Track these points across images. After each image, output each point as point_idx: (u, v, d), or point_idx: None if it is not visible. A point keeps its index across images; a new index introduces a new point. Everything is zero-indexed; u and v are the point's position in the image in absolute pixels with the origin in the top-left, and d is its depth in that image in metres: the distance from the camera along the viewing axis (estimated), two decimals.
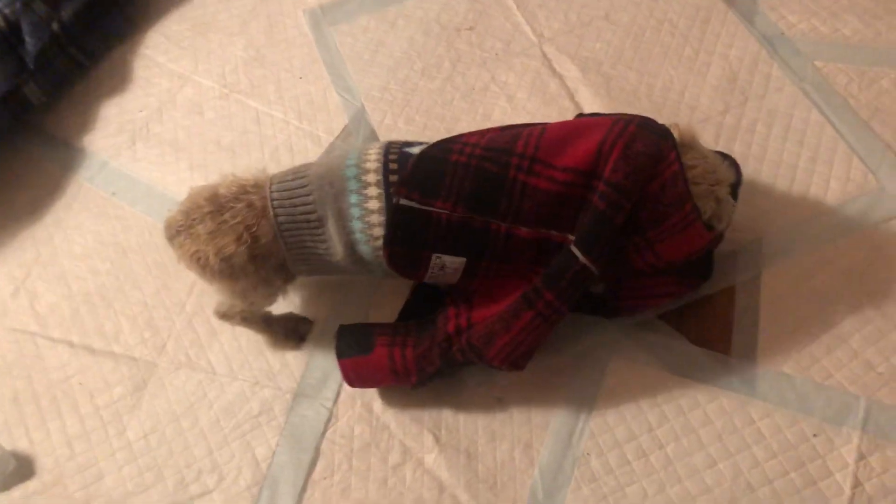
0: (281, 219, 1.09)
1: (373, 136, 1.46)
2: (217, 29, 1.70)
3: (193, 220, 1.08)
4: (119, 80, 1.66)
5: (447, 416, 1.17)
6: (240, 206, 1.08)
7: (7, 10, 1.55)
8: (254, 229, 1.08)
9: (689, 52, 1.46)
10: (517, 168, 1.06)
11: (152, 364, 1.29)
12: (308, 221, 1.09)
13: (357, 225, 1.08)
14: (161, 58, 1.67)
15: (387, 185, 1.07)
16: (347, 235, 1.09)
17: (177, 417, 1.24)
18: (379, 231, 1.08)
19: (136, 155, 1.54)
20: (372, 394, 1.20)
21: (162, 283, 1.36)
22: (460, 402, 1.18)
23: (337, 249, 1.10)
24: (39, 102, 1.60)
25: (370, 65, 1.57)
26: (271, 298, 1.20)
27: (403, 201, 1.07)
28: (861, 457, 1.05)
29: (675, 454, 1.10)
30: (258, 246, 1.08)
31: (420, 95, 1.50)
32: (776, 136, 1.33)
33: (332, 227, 1.09)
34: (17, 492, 1.21)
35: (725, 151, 1.30)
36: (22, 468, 1.23)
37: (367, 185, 1.08)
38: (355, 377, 1.17)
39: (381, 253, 1.08)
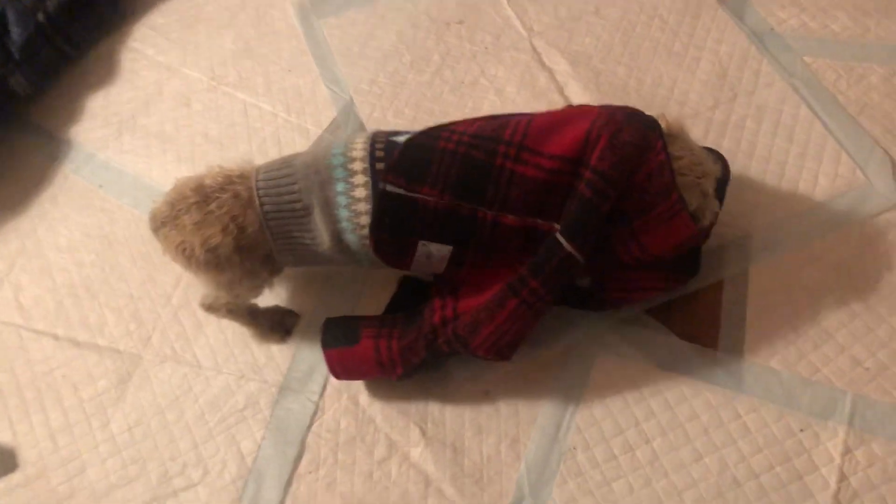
0: (267, 208, 1.08)
1: (361, 129, 1.45)
2: (205, 21, 1.69)
3: (179, 210, 1.08)
4: (106, 72, 1.65)
5: (434, 409, 1.17)
6: (226, 196, 1.07)
7: None
8: (240, 219, 1.07)
9: (678, 48, 1.46)
10: (504, 156, 1.05)
11: (137, 357, 1.28)
12: (294, 210, 1.08)
13: (344, 213, 1.07)
14: (149, 50, 1.66)
15: (374, 172, 1.07)
16: (334, 224, 1.08)
17: (161, 410, 1.23)
18: (366, 219, 1.07)
19: (123, 147, 1.53)
20: (358, 387, 1.20)
21: (148, 275, 1.35)
22: (447, 396, 1.17)
23: (323, 238, 1.09)
24: (25, 93, 1.58)
25: (359, 58, 1.56)
26: (257, 290, 1.19)
27: (390, 188, 1.06)
28: (847, 451, 1.05)
29: (662, 448, 1.09)
30: (244, 236, 1.08)
31: (409, 89, 1.50)
32: (765, 132, 1.33)
33: (318, 216, 1.08)
34: (0, 485, 1.20)
35: (715, 147, 1.31)
36: (5, 461, 1.22)
37: (353, 172, 1.07)
38: (341, 369, 1.17)
39: (367, 241, 1.08)
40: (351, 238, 1.09)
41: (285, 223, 1.09)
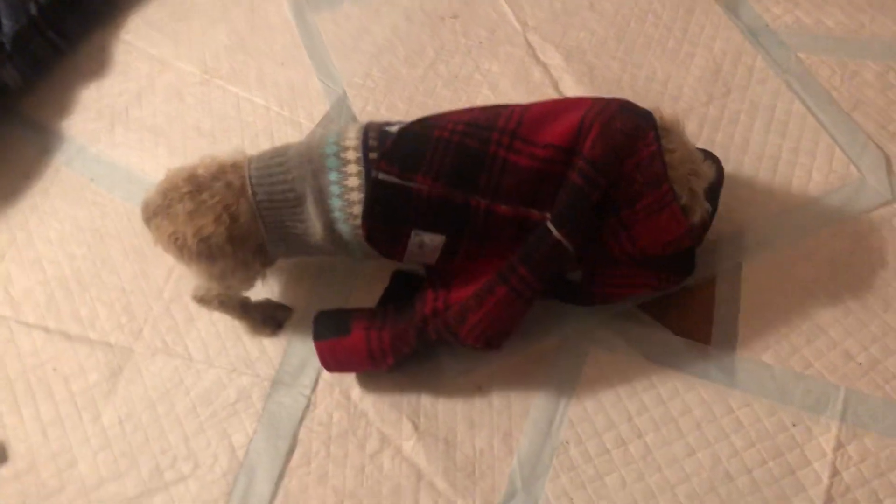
0: (259, 197, 1.07)
1: (354, 122, 1.44)
2: (198, 14, 1.68)
3: (171, 200, 1.07)
4: (98, 65, 1.64)
5: (426, 403, 1.16)
6: (218, 185, 1.07)
7: None
8: (232, 209, 1.06)
9: (673, 43, 1.46)
10: (498, 144, 1.05)
11: (128, 350, 1.27)
12: (286, 200, 1.08)
13: (336, 203, 1.07)
14: (141, 42, 1.66)
15: (367, 162, 1.06)
16: (327, 214, 1.08)
17: (152, 404, 1.22)
18: (359, 209, 1.07)
19: (115, 140, 1.52)
20: (350, 381, 1.19)
21: (139, 268, 1.35)
22: (439, 390, 1.17)
23: (316, 229, 1.09)
24: (17, 86, 1.58)
25: (353, 51, 1.55)
26: (249, 282, 1.18)
27: (383, 176, 1.06)
28: (839, 446, 1.05)
29: (654, 443, 1.09)
30: (237, 226, 1.07)
31: (403, 83, 1.49)
32: (759, 128, 1.33)
33: (310, 206, 1.08)
34: None
35: (708, 141, 1.31)
36: None
37: (346, 162, 1.07)
38: (332, 361, 1.16)
39: (360, 231, 1.07)
40: (343, 228, 1.08)
41: (278, 212, 1.08)
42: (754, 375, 1.12)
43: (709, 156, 1.16)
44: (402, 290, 1.21)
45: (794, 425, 1.08)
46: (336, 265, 1.29)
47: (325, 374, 1.20)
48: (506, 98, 1.43)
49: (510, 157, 1.05)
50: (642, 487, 1.07)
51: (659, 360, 1.15)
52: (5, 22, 1.53)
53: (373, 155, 1.06)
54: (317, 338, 1.16)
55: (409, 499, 1.10)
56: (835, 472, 1.04)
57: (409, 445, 1.14)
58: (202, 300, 1.19)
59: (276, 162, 1.09)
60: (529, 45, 1.50)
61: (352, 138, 1.08)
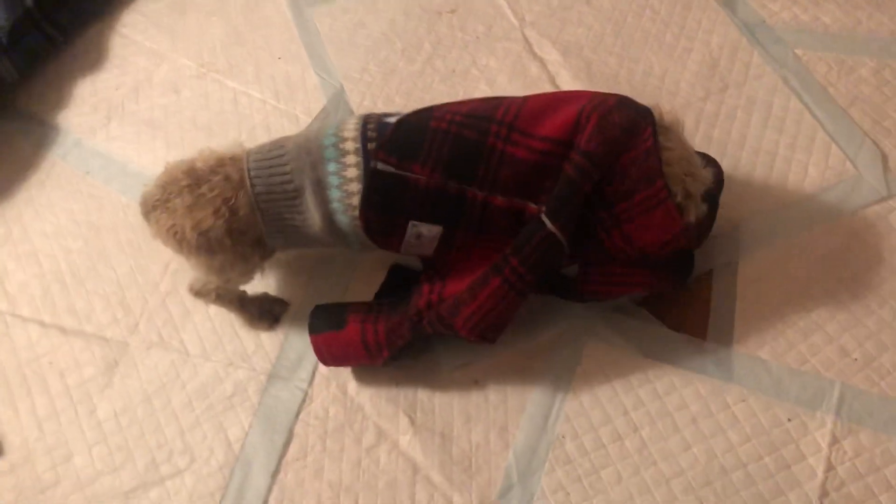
0: (258, 189, 1.07)
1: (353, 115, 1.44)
2: (195, 8, 1.68)
3: (170, 194, 1.07)
4: (95, 58, 1.63)
5: (423, 397, 1.16)
6: (217, 178, 1.07)
7: None
8: (231, 202, 1.06)
9: (670, 39, 1.46)
10: (496, 136, 1.05)
11: (124, 344, 1.27)
12: (285, 192, 1.08)
13: (335, 194, 1.07)
14: (138, 36, 1.65)
15: (365, 153, 1.06)
16: (325, 205, 1.07)
17: (148, 398, 1.22)
18: (357, 200, 1.06)
19: (111, 133, 1.52)
20: (347, 375, 1.19)
21: (136, 262, 1.35)
22: (436, 384, 1.17)
23: (314, 220, 1.09)
24: (12, 79, 1.57)
25: (350, 46, 1.55)
26: (248, 276, 1.18)
27: (381, 165, 1.06)
28: (834, 441, 1.06)
29: (650, 437, 1.09)
30: (236, 219, 1.07)
31: (399, 77, 1.49)
32: (756, 123, 1.33)
33: (309, 198, 1.07)
34: None
35: (706, 137, 1.32)
36: None
37: (345, 153, 1.07)
38: (328, 354, 1.16)
39: (358, 222, 1.07)
40: (342, 219, 1.08)
41: (276, 204, 1.08)
42: (750, 371, 1.12)
43: (710, 161, 1.16)
44: (399, 284, 1.21)
45: (789, 420, 1.08)
46: (333, 259, 1.29)
47: (322, 368, 1.19)
48: (502, 93, 1.41)
49: (508, 150, 1.05)
50: (638, 481, 1.07)
51: (655, 356, 1.15)
52: (1, 15, 1.53)
53: (371, 145, 1.06)
54: (312, 331, 1.16)
55: (406, 493, 1.10)
56: (830, 467, 1.04)
57: (406, 439, 1.14)
58: (199, 293, 1.19)
59: (275, 154, 1.08)
60: (526, 41, 1.50)
61: (351, 129, 1.08)
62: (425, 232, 1.09)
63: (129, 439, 1.19)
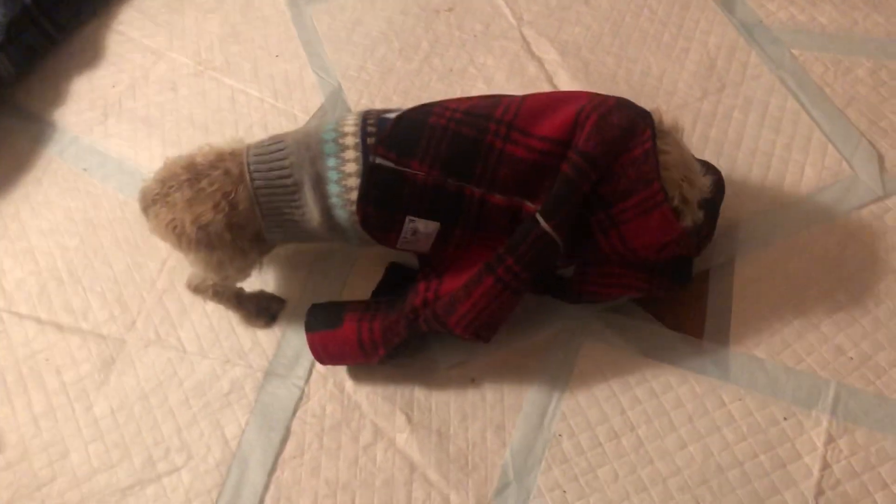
0: (257, 183, 1.07)
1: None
2: (193, 5, 1.68)
3: (170, 188, 1.07)
4: (92, 55, 1.63)
5: (419, 396, 1.17)
6: (217, 173, 1.07)
7: None
8: (231, 196, 1.06)
9: (667, 39, 1.46)
10: (494, 134, 1.05)
11: (121, 341, 1.27)
12: (284, 186, 1.08)
13: (334, 189, 1.07)
14: (135, 33, 1.65)
15: (365, 149, 1.06)
16: (324, 200, 1.08)
17: (145, 395, 1.22)
18: (356, 194, 1.07)
19: (108, 130, 1.52)
20: (344, 373, 1.19)
21: (132, 259, 1.34)
22: (433, 383, 1.17)
23: (313, 215, 1.09)
24: (9, 75, 1.56)
25: (347, 44, 1.55)
26: (246, 271, 1.18)
27: (380, 160, 1.06)
28: (830, 440, 1.06)
29: (647, 436, 1.10)
30: (235, 213, 1.07)
31: (397, 76, 1.49)
32: (752, 123, 1.33)
33: (308, 192, 1.08)
34: None
35: (703, 137, 1.32)
36: None
37: (344, 148, 1.07)
38: (324, 353, 1.16)
39: (356, 216, 1.07)
40: (341, 213, 1.08)
41: (275, 199, 1.08)
42: (746, 370, 1.12)
43: (710, 169, 1.15)
44: (396, 283, 1.21)
45: (785, 419, 1.08)
46: (331, 256, 1.29)
47: (319, 365, 1.19)
48: (500, 92, 1.40)
49: (506, 148, 1.05)
50: (634, 480, 1.07)
51: (652, 354, 1.15)
52: None
53: (371, 141, 1.06)
54: (309, 330, 1.16)
55: (402, 491, 1.10)
56: (825, 466, 1.05)
57: (403, 438, 1.14)
58: (197, 289, 1.19)
59: (275, 149, 1.09)
60: (524, 40, 1.50)
61: (350, 125, 1.08)
62: (422, 228, 1.09)
63: (126, 436, 1.19)
